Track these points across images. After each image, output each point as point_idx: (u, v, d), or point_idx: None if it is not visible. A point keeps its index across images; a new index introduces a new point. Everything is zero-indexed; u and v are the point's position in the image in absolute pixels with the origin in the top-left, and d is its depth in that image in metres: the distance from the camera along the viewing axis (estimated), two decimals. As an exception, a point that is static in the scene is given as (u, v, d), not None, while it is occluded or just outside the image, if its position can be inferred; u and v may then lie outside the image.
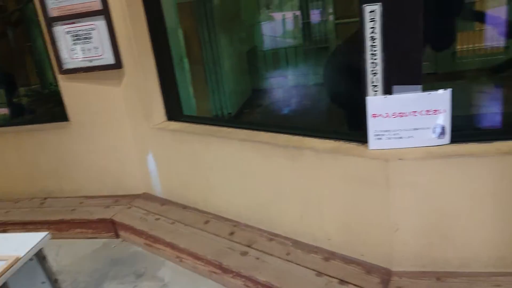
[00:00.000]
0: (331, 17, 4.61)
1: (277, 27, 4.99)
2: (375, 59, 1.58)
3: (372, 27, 1.54)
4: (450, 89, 1.54)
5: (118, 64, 2.39)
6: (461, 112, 2.60)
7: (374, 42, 1.56)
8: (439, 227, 1.62)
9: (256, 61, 4.80)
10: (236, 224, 2.23)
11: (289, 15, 4.92)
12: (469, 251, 1.63)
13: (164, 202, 2.60)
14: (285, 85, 4.68)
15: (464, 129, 1.66)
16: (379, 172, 1.61)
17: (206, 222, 2.30)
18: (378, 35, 1.54)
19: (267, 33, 5.01)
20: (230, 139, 2.09)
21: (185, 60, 2.81)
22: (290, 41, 4.88)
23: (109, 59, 2.38)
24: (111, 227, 2.53)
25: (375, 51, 1.57)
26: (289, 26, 4.93)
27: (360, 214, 1.74)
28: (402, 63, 1.56)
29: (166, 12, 2.46)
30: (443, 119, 1.57)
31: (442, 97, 1.55)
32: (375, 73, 1.60)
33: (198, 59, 3.56)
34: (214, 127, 2.26)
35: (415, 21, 1.50)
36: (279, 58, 4.86)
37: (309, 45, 4.70)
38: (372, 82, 1.61)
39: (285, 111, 3.89)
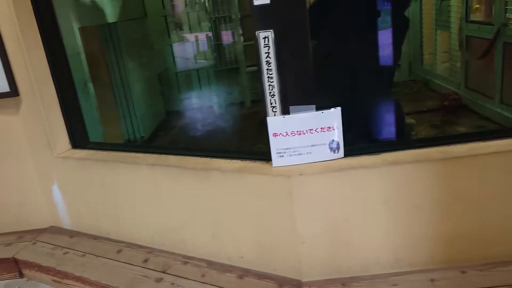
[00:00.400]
0: (241, 39, 4.76)
1: (190, 48, 5.03)
2: (272, 81, 1.67)
3: (266, 52, 1.64)
4: (340, 107, 1.67)
5: (14, 92, 2.26)
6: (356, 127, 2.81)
7: (269, 66, 1.65)
8: (340, 236, 1.73)
9: (168, 83, 4.79)
10: (150, 250, 2.19)
11: (202, 36, 5.00)
12: (369, 256, 1.76)
13: (73, 234, 2.47)
14: (199, 106, 4.72)
15: (357, 143, 1.81)
16: (283, 188, 1.69)
17: (119, 251, 2.23)
18: (272, 59, 1.64)
19: (180, 55, 5.03)
20: (138, 164, 2.07)
21: (90, 85, 2.73)
22: (202, 62, 4.95)
23: (4, 87, 2.25)
24: (14, 267, 2.34)
25: (271, 74, 1.66)
26: (202, 47, 5.00)
27: (269, 229, 1.80)
28: (296, 85, 1.67)
29: (66, 37, 2.38)
30: (337, 135, 1.70)
31: (334, 115, 1.68)
32: (273, 94, 1.69)
33: (107, 84, 3.47)
34: (122, 153, 2.21)
35: (304, 46, 1.62)
36: (191, 79, 4.89)
37: (220, 66, 4.80)
38: (271, 103, 1.70)
39: (197, 132, 3.92)
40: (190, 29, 4.87)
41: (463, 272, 1.72)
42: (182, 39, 4.97)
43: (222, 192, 1.85)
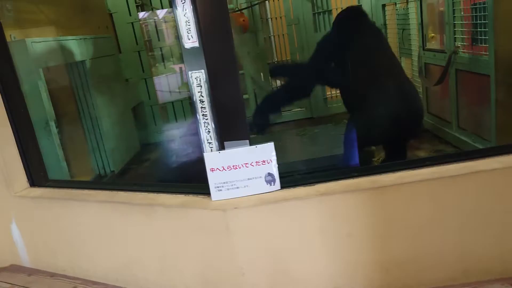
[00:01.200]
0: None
1: (164, 82, 5.14)
2: (206, 118, 1.74)
3: (199, 91, 1.71)
4: (272, 142, 1.74)
5: (-29, 134, 2.31)
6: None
7: (203, 104, 1.73)
8: (279, 266, 1.77)
9: (143, 116, 4.87)
10: (104, 286, 2.20)
11: (178, 68, 5.11)
12: (309, 285, 1.79)
13: (31, 272, 2.48)
14: (174, 138, 4.78)
15: (293, 175, 1.87)
16: (220, 222, 1.74)
17: (73, 288, 2.25)
18: (205, 98, 1.72)
19: (157, 88, 5.13)
20: (89, 202, 2.11)
21: (52, 124, 2.79)
22: (176, 95, 5.04)
23: (-39, 129, 2.30)
24: (-29, 307, 2.35)
25: (205, 111, 1.73)
26: (174, 81, 5.11)
27: (211, 263, 1.84)
28: (229, 121, 1.74)
29: (26, 78, 2.46)
30: (271, 168, 1.76)
31: (267, 149, 1.75)
32: (208, 131, 1.76)
33: (74, 120, 3.54)
34: (75, 190, 2.25)
35: (235, 84, 1.70)
36: (167, 111, 4.98)
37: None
38: (207, 139, 1.77)
39: (170, 164, 3.96)
40: (164, 62, 4.99)
41: (400, 298, 1.75)
42: (163, 72, 5.09)
43: (166, 227, 1.90)
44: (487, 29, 2.61)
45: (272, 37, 5.04)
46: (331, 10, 4.69)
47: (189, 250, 1.87)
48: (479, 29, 2.75)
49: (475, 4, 2.77)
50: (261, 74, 4.82)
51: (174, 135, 4.86)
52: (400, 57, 4.41)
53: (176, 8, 1.64)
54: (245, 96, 4.70)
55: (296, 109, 4.93)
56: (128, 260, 2.09)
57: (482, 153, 1.75)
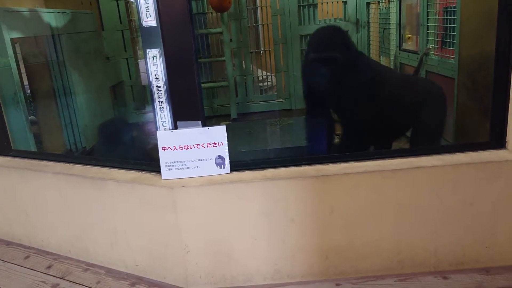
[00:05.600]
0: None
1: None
2: (161, 97, 1.77)
3: (155, 70, 1.74)
4: (224, 125, 1.78)
5: None
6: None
7: (158, 83, 1.76)
8: (222, 246, 1.82)
9: (123, 96, 4.87)
10: (56, 257, 2.24)
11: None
12: (251, 267, 1.84)
13: (-11, 239, 2.51)
14: (150, 119, 4.79)
15: (245, 161, 1.90)
16: (167, 199, 1.78)
17: (27, 257, 2.28)
18: (161, 76, 1.74)
19: (142, 70, 5.12)
20: (46, 173, 2.13)
21: (20, 95, 2.79)
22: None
23: None
24: None
25: (160, 90, 1.76)
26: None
27: (159, 239, 1.88)
28: (183, 101, 1.77)
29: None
30: (222, 150, 1.80)
31: (219, 132, 1.79)
32: (162, 109, 1.79)
33: (48, 94, 3.54)
34: (35, 161, 2.27)
35: (190, 65, 1.73)
36: (146, 93, 4.98)
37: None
38: (161, 118, 1.80)
39: (142, 144, 3.97)
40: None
41: (337, 284, 1.81)
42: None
43: (117, 202, 1.93)
44: (455, 33, 2.67)
45: (260, 26, 5.05)
46: (316, 4, 4.71)
47: (138, 226, 1.91)
48: (448, 33, 2.80)
49: (446, 8, 2.82)
50: (243, 62, 4.83)
51: (151, 117, 4.87)
52: (380, 56, 4.46)
53: (137, -14, 1.66)
54: (224, 83, 4.72)
55: (279, 100, 4.96)
56: (80, 233, 2.13)
57: (426, 151, 1.80)
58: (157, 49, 1.72)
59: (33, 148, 2.97)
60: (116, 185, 1.90)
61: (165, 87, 1.76)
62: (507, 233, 1.76)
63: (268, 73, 5.06)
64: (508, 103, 1.70)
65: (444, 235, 1.76)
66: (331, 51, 2.30)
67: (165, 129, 1.81)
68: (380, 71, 2.74)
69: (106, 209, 1.97)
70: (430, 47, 3.12)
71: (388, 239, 1.77)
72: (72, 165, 2.14)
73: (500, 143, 1.76)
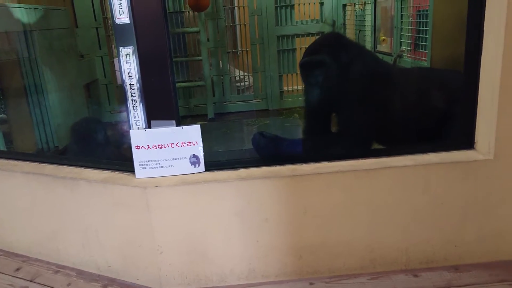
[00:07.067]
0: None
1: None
2: (134, 95, 1.75)
3: (128, 68, 1.72)
4: (199, 124, 1.77)
5: None
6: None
7: (132, 81, 1.73)
8: (196, 246, 1.81)
9: (97, 94, 4.78)
10: (26, 259, 2.18)
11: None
12: (225, 267, 1.84)
13: (-46, 241, 2.42)
14: (125, 119, 4.72)
15: (220, 159, 1.90)
16: (140, 199, 1.75)
17: (-6, 259, 2.21)
18: (134, 75, 1.72)
19: (117, 68, 5.04)
20: (15, 172, 2.07)
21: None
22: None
23: None
24: None
25: (133, 88, 1.74)
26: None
27: (131, 239, 1.85)
28: (157, 100, 1.75)
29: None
30: (196, 150, 1.79)
31: (193, 131, 1.77)
32: (135, 108, 1.76)
33: (20, 93, 3.45)
34: (3, 160, 2.21)
35: (164, 63, 1.71)
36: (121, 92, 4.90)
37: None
38: (134, 117, 1.78)
39: (115, 144, 3.91)
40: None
41: (311, 283, 1.82)
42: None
43: (89, 202, 1.89)
44: (427, 36, 2.73)
45: (237, 26, 5.05)
46: (293, 5, 4.74)
47: (110, 226, 1.88)
48: (421, 35, 2.87)
49: (419, 11, 2.88)
50: (220, 61, 4.82)
51: (126, 116, 4.80)
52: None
53: (109, -18, 1.64)
54: (201, 83, 4.70)
55: (256, 100, 4.97)
56: (51, 234, 2.08)
57: (398, 151, 1.83)
58: (131, 47, 1.69)
59: (2, 147, 2.90)
60: (88, 185, 1.87)
61: (138, 85, 1.74)
62: (475, 232, 1.81)
63: (245, 73, 5.06)
64: (477, 104, 1.75)
65: (415, 234, 1.80)
66: (318, 55, 2.28)
67: (138, 128, 1.78)
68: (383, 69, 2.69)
69: (78, 210, 1.93)
70: (404, 49, 3.18)
71: (361, 238, 1.80)
72: (43, 164, 2.09)
73: (469, 144, 1.81)
